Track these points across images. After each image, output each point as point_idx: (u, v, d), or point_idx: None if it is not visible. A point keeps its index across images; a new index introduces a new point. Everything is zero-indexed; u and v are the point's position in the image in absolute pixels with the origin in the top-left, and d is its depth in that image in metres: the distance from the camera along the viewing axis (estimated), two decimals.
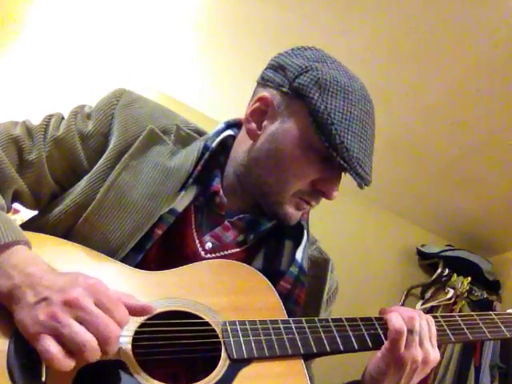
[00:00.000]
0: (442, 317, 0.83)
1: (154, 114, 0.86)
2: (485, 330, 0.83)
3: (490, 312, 0.87)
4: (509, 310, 0.88)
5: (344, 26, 2.01)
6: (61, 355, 0.53)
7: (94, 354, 0.55)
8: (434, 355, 0.75)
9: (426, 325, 0.76)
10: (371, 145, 0.81)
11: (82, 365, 0.55)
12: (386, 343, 0.74)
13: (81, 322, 0.55)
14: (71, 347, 0.54)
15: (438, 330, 0.78)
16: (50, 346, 0.53)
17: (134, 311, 0.61)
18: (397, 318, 0.75)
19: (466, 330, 0.83)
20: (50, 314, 0.55)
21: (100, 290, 0.58)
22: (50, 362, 0.53)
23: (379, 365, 0.74)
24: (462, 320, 0.84)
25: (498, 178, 2.51)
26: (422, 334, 0.74)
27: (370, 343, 0.75)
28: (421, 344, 0.74)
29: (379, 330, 0.77)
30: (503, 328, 0.85)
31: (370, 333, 0.76)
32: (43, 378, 0.55)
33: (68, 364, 0.54)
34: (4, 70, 2.35)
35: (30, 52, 2.41)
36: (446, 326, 0.82)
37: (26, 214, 1.43)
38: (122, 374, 0.60)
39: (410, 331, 0.73)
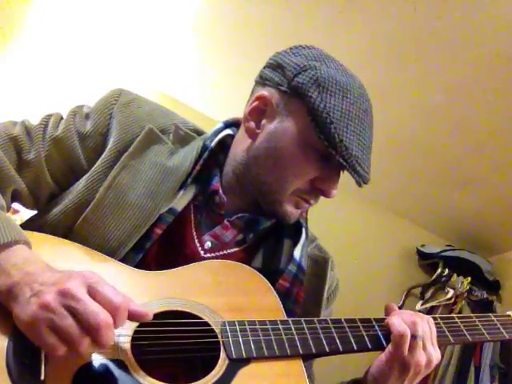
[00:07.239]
0: (442, 318, 0.83)
1: (153, 113, 0.86)
2: (484, 331, 0.83)
3: (489, 314, 0.87)
4: (508, 312, 0.89)
5: (344, 26, 2.01)
6: (58, 344, 0.54)
7: (82, 342, 0.54)
8: (437, 356, 0.75)
9: (427, 328, 0.76)
10: (370, 143, 0.81)
11: (80, 361, 0.55)
12: (390, 347, 0.74)
13: (72, 311, 0.55)
14: (63, 336, 0.54)
15: (437, 332, 0.78)
16: (48, 336, 0.54)
17: (129, 315, 0.60)
18: (399, 322, 0.74)
19: (465, 332, 0.82)
20: (42, 305, 0.55)
21: (95, 281, 0.58)
22: (51, 351, 0.54)
23: (382, 367, 0.74)
24: (461, 322, 0.84)
25: (498, 178, 2.51)
26: (424, 338, 0.74)
27: (368, 344, 0.75)
28: (424, 348, 0.74)
29: (378, 331, 0.77)
30: (502, 330, 0.85)
31: (369, 334, 0.76)
32: (42, 377, 0.55)
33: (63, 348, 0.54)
34: (4, 70, 2.35)
35: (30, 52, 2.40)
36: (445, 328, 0.81)
37: (26, 213, 1.42)
38: (121, 374, 0.60)
39: (414, 336, 0.73)
